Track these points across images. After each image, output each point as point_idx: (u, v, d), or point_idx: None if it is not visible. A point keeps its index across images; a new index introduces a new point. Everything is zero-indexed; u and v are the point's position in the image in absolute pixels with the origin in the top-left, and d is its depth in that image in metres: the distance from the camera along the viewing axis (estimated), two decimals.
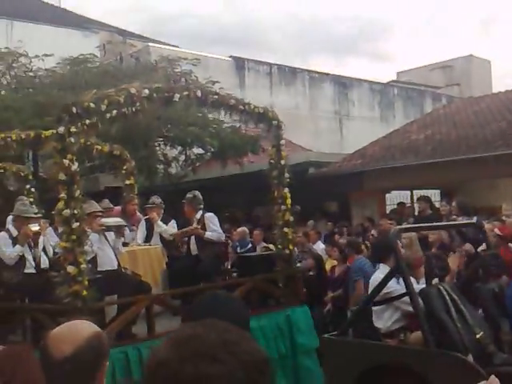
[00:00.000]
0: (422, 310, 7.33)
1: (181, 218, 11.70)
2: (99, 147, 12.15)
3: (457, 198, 14.80)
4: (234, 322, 2.03)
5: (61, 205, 7.53)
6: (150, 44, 30.84)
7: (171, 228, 11.56)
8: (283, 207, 10.36)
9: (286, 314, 9.96)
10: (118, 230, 9.63)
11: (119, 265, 9.35)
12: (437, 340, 7.14)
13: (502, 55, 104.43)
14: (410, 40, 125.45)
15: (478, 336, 7.26)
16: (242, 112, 9.84)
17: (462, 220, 12.49)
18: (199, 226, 10.56)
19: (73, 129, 7.51)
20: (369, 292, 8.43)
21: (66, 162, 7.48)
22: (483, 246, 10.74)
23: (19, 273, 9.10)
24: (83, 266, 7.43)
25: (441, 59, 47.60)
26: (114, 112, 7.83)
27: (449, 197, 15.80)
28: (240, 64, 33.52)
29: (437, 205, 16.38)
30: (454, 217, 13.09)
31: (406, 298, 7.77)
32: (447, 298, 7.50)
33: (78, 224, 7.45)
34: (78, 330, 2.87)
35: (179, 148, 22.44)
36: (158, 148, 22.29)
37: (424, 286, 8.31)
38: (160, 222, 11.56)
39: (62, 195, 7.49)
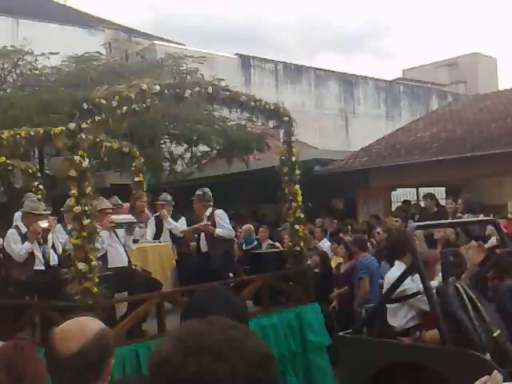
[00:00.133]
0: (439, 307, 7.22)
1: (187, 215, 11.68)
2: (108, 144, 12.09)
3: (463, 195, 14.74)
4: (232, 316, 2.03)
5: (72, 201, 7.48)
6: (156, 42, 30.87)
7: (181, 225, 11.50)
8: (294, 204, 10.28)
9: (297, 311, 9.88)
10: (129, 227, 9.59)
11: (129, 262, 9.30)
12: (453, 338, 7.04)
13: (508, 52, 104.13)
14: (415, 37, 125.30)
15: (495, 334, 7.11)
16: (253, 108, 9.76)
17: (467, 217, 12.48)
18: (209, 223, 10.45)
19: (84, 125, 7.47)
20: (383, 289, 8.35)
21: (77, 158, 7.42)
22: (489, 244, 10.73)
23: (28, 270, 9.04)
24: (94, 262, 7.37)
25: (447, 57, 47.65)
26: (125, 108, 7.79)
27: (454, 194, 15.77)
28: (246, 62, 33.52)
29: (442, 202, 16.35)
30: (460, 214, 13.07)
31: (421, 296, 7.72)
32: (464, 295, 7.36)
33: (88, 221, 7.39)
34: (83, 327, 2.87)
35: (185, 145, 22.47)
36: (163, 145, 22.33)
37: (437, 283, 8.24)
38: (170, 219, 11.50)
39: (73, 192, 7.44)
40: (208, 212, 10.61)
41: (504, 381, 2.05)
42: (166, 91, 8.31)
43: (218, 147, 22.08)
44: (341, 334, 8.56)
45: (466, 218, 12.53)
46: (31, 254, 9.11)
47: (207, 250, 10.52)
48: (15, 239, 9.14)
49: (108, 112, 7.72)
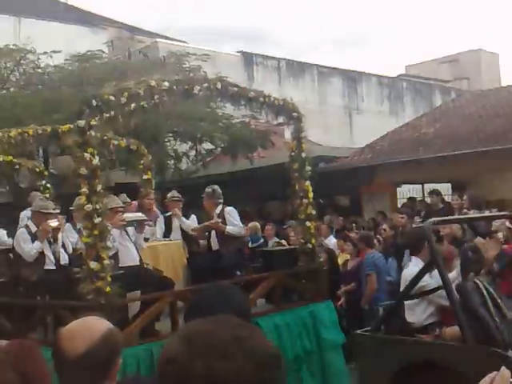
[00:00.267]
0: (459, 304, 7.14)
1: (192, 212, 11.63)
2: (116, 142, 12.07)
3: (468, 191, 14.73)
4: (236, 314, 2.01)
5: (82, 200, 7.43)
6: (159, 40, 30.85)
7: (193, 223, 11.39)
8: (305, 200, 10.16)
9: (310, 309, 9.76)
10: (139, 225, 9.50)
11: (141, 260, 9.21)
12: (474, 335, 6.95)
13: (510, 48, 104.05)
14: (418, 34, 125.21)
15: None
16: (262, 104, 9.64)
17: (473, 214, 12.47)
18: (220, 220, 10.33)
19: (93, 122, 7.41)
20: (401, 286, 8.25)
21: (87, 155, 7.37)
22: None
23: (39, 269, 8.95)
24: (106, 261, 7.32)
25: (449, 53, 47.60)
26: (133, 105, 7.74)
27: (460, 190, 15.76)
28: (249, 59, 33.52)
29: (448, 199, 16.33)
30: (466, 211, 13.07)
31: (440, 292, 7.66)
32: (484, 291, 7.27)
33: (100, 219, 7.33)
34: (90, 328, 2.85)
35: (189, 143, 22.48)
36: (168, 143, 22.32)
37: (455, 273, 8.18)
38: (183, 218, 11.41)
39: (84, 190, 7.38)
40: (218, 209, 10.49)
41: None
42: (174, 87, 8.23)
43: (223, 145, 22.10)
44: (358, 332, 8.47)
45: (472, 214, 12.52)
46: (41, 254, 9.00)
47: (218, 248, 10.40)
48: (25, 239, 9.01)
49: (117, 109, 7.65)
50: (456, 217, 11.94)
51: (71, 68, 22.02)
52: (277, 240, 14.12)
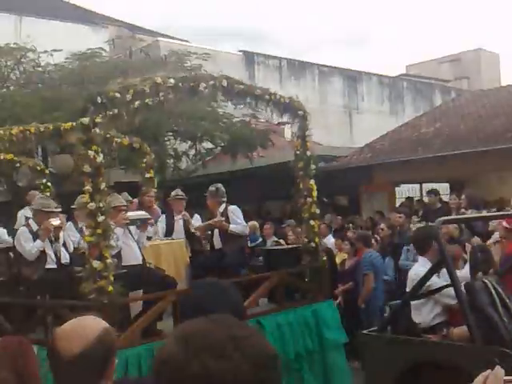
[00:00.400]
0: (467, 304, 7.03)
1: (192, 211, 11.61)
2: (118, 140, 11.99)
3: (466, 190, 14.76)
4: (229, 310, 2.04)
5: (85, 198, 7.37)
6: (160, 38, 30.75)
7: (196, 222, 11.29)
8: (309, 199, 10.10)
9: (313, 308, 9.71)
10: (142, 224, 9.45)
11: (144, 259, 9.16)
12: (483, 335, 6.84)
13: (511, 48, 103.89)
14: (418, 33, 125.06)
15: None
16: (267, 102, 9.55)
17: (471, 213, 12.50)
18: (223, 219, 10.29)
19: (98, 119, 7.35)
20: (407, 286, 8.15)
21: (92, 153, 7.31)
22: (492, 239, 10.75)
23: (40, 268, 8.83)
24: (109, 260, 7.27)
25: (449, 52, 47.56)
26: (137, 103, 7.69)
27: (458, 190, 15.78)
28: (250, 58, 33.46)
29: (446, 198, 16.35)
30: (463, 210, 13.10)
31: (447, 291, 7.59)
32: (493, 291, 7.19)
33: (103, 217, 7.28)
34: (85, 328, 2.84)
35: (189, 142, 22.45)
36: (167, 142, 22.28)
37: (464, 271, 8.16)
38: (191, 221, 11.24)
39: (87, 188, 7.31)
40: (221, 208, 10.46)
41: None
42: (180, 85, 8.16)
43: (223, 144, 22.09)
44: (365, 331, 8.40)
45: (470, 213, 12.55)
46: (43, 253, 8.87)
47: (221, 246, 10.36)
48: (26, 237, 8.90)
49: (121, 106, 7.61)
50: (465, 216, 11.92)
51: (72, 67, 21.95)
52: (275, 239, 14.14)
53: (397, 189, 21.93)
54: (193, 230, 11.03)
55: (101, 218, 7.26)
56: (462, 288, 7.20)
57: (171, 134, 22.04)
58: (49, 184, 12.58)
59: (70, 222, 10.17)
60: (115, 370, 2.96)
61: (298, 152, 10.21)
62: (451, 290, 7.50)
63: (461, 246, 10.10)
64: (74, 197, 9.73)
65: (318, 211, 10.28)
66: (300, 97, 10.45)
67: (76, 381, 2.74)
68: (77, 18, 32.22)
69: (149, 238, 10.40)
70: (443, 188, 19.30)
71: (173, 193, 11.78)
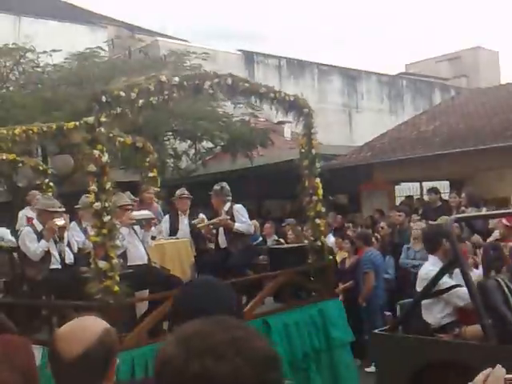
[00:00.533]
0: (481, 302, 6.92)
1: (194, 210, 11.58)
2: (121, 139, 11.94)
3: (466, 189, 14.78)
4: (221, 308, 2.04)
5: (91, 198, 7.33)
6: (159, 38, 30.73)
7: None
8: (315, 198, 10.04)
9: (319, 307, 9.62)
10: (147, 224, 9.38)
11: (149, 259, 9.13)
12: (496, 334, 6.74)
13: (510, 46, 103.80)
14: (417, 32, 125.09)
15: None
16: (272, 100, 9.46)
17: (470, 211, 12.52)
18: (228, 217, 10.23)
19: (103, 118, 7.30)
20: (417, 284, 8.08)
21: (97, 152, 7.25)
22: (492, 237, 10.77)
23: (45, 269, 8.77)
24: (115, 260, 7.22)
25: (448, 51, 47.54)
26: (141, 102, 7.60)
27: (458, 188, 15.78)
28: (249, 57, 33.48)
29: (446, 196, 16.36)
30: (463, 208, 13.13)
31: (457, 291, 7.51)
32: (506, 289, 7.10)
33: (109, 217, 7.23)
34: (86, 329, 2.82)
35: (189, 142, 22.45)
36: (167, 142, 22.28)
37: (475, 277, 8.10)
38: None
39: (92, 187, 7.26)
40: (226, 207, 10.41)
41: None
42: (185, 83, 8.10)
43: (222, 143, 22.08)
44: (377, 331, 8.34)
45: (470, 211, 12.58)
46: (47, 253, 8.80)
47: (226, 245, 10.30)
48: (31, 238, 8.83)
49: (126, 105, 7.54)
50: (475, 214, 11.90)
51: (71, 67, 21.95)
52: (276, 238, 14.15)
53: (397, 187, 21.91)
54: (198, 226, 10.93)
55: (107, 218, 7.21)
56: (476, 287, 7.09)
57: (171, 133, 22.04)
58: (51, 184, 12.53)
59: (73, 222, 10.13)
60: (122, 370, 2.95)
61: (303, 150, 10.15)
62: (459, 291, 7.47)
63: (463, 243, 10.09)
64: (75, 197, 9.72)
65: (323, 210, 10.21)
66: (299, 96, 10.42)
67: (77, 382, 2.73)
68: (76, 18, 32.25)
69: (153, 238, 10.29)
70: (443, 186, 19.28)
71: (178, 192, 11.64)
